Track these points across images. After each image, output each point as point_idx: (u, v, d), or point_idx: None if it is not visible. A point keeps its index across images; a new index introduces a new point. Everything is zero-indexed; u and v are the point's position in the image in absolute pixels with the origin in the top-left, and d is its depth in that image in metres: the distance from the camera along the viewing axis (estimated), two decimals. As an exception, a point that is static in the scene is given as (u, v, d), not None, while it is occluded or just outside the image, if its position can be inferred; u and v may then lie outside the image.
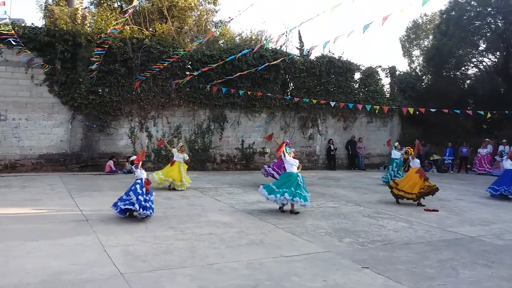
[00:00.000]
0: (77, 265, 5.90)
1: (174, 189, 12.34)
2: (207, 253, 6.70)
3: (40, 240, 6.98)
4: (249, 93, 17.21)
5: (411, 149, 12.31)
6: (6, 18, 13.10)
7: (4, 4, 10.60)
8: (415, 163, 11.89)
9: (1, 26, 13.11)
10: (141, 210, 8.31)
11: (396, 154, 15.61)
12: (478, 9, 23.55)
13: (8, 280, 5.32)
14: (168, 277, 5.61)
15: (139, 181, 8.65)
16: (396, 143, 16.43)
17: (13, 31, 13.10)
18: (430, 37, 30.49)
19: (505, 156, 13.95)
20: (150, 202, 8.55)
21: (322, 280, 5.74)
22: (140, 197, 8.37)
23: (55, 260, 6.05)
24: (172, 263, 6.14)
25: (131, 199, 8.35)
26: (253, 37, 22.77)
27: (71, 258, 6.16)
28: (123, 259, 6.22)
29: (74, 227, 7.88)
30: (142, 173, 8.78)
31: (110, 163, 15.69)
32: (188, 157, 12.92)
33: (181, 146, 12.94)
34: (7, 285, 5.16)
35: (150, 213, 8.49)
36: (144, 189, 8.54)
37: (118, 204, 8.46)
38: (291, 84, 20.20)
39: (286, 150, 10.19)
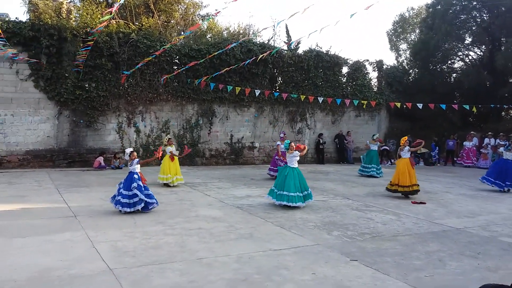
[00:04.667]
0: (66, 261, 5.87)
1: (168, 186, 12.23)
2: (196, 247, 6.70)
3: (28, 236, 6.93)
4: (237, 90, 17.13)
5: (404, 139, 11.92)
6: None
7: None
8: (406, 153, 11.72)
9: None
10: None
11: (374, 146, 16.07)
12: (463, 3, 23.73)
13: (-4, 277, 5.28)
14: (157, 272, 5.60)
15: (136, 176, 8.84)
16: (376, 135, 16.77)
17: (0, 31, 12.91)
18: (417, 31, 30.67)
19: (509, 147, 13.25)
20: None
21: (311, 273, 5.79)
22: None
23: (43, 257, 6.01)
24: (161, 258, 6.13)
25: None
26: (241, 31, 22.69)
27: (60, 254, 6.12)
28: (112, 255, 6.19)
29: (63, 223, 7.83)
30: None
31: (100, 159, 15.60)
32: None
33: (169, 139, 12.81)
34: (-5, 282, 5.11)
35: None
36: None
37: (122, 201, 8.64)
38: (279, 79, 20.20)
39: (285, 145, 10.37)
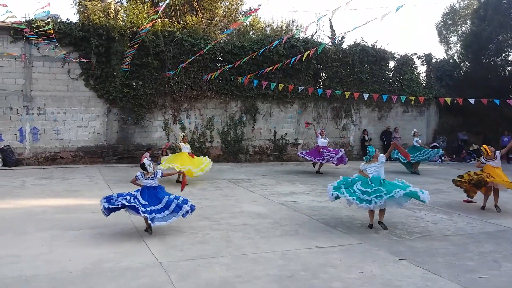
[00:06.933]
0: (117, 253, 6.06)
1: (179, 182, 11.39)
2: (242, 243, 6.73)
3: (81, 229, 7.21)
4: (280, 87, 17.03)
5: (487, 149, 9.75)
6: (48, 18, 13.50)
7: (49, 5, 10.98)
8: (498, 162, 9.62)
9: (42, 24, 13.52)
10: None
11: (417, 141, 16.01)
12: (518, -8, 22.54)
13: (52, 267, 5.52)
14: (204, 266, 5.68)
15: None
16: (415, 129, 16.67)
17: (51, 31, 13.43)
18: (468, 22, 29.36)
19: None
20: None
21: (359, 271, 5.68)
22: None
23: (95, 249, 6.24)
24: (208, 253, 6.21)
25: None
26: (284, 27, 22.57)
27: (111, 247, 6.33)
28: (160, 248, 6.34)
29: (113, 217, 8.03)
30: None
31: (146, 155, 15.93)
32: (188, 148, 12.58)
33: (183, 137, 12.52)
34: (51, 273, 5.35)
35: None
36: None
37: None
38: (323, 74, 19.91)
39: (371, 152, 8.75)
